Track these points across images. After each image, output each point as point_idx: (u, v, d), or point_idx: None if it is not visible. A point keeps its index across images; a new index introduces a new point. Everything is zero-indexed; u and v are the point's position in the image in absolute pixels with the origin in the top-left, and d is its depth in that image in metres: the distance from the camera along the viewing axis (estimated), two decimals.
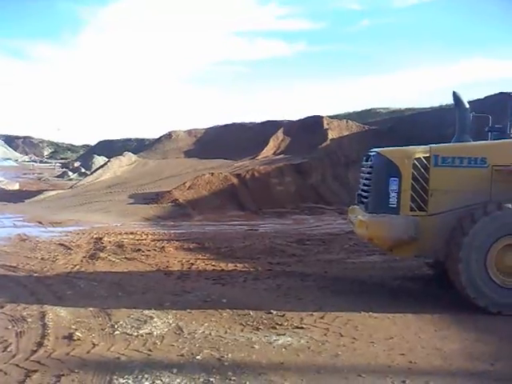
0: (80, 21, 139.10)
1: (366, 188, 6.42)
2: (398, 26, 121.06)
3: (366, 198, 6.36)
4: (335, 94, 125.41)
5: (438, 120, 23.92)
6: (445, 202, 5.83)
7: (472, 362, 4.26)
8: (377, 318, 5.36)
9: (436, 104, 32.38)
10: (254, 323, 5.20)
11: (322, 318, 5.35)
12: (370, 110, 41.91)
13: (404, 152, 6.09)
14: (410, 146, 6.25)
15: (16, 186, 27.57)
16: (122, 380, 3.81)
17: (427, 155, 5.92)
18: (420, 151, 5.98)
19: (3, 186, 26.94)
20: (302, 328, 5.03)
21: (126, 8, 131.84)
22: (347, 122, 28.23)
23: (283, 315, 5.42)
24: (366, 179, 6.45)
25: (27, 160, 66.77)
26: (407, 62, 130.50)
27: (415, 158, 5.90)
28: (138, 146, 43.90)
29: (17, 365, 4.11)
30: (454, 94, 6.77)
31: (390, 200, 5.87)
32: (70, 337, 4.76)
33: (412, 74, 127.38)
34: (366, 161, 6.62)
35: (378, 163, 6.19)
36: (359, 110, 42.90)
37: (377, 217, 5.94)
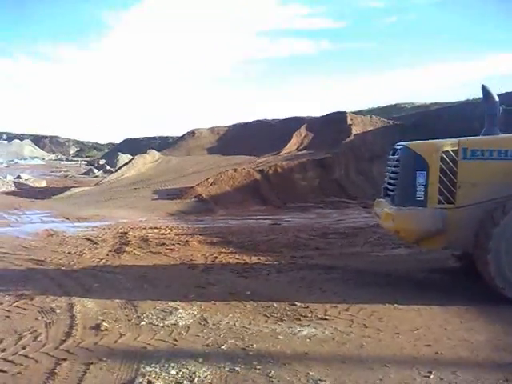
0: (104, 24, 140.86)
1: (392, 181, 6.38)
2: (422, 22, 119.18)
3: (392, 191, 6.33)
4: (359, 90, 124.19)
5: (463, 114, 23.48)
6: (473, 195, 5.75)
7: (499, 353, 4.19)
8: (402, 310, 5.32)
9: (462, 98, 31.81)
10: (278, 314, 5.21)
11: (346, 309, 5.33)
12: (394, 105, 41.43)
13: (432, 145, 6.04)
14: (438, 140, 6.18)
15: (43, 183, 28.13)
16: (149, 368, 3.87)
17: (455, 148, 5.84)
18: (448, 144, 5.91)
19: (31, 184, 27.53)
20: (326, 319, 5.02)
21: (147, 10, 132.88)
22: (371, 117, 27.98)
23: (307, 307, 5.41)
24: (393, 172, 6.42)
25: (54, 158, 68.11)
26: (432, 57, 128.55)
27: (443, 151, 5.83)
28: (162, 144, 44.37)
29: (47, 353, 4.21)
30: (483, 87, 6.66)
31: (417, 193, 5.83)
32: (97, 327, 4.85)
33: (437, 69, 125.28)
34: (393, 154, 6.58)
35: (405, 156, 6.15)
36: (383, 105, 42.48)
37: (404, 209, 5.90)
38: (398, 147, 6.38)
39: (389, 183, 6.54)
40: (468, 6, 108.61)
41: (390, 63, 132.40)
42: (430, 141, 6.28)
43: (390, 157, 6.71)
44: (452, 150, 5.84)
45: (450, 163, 5.81)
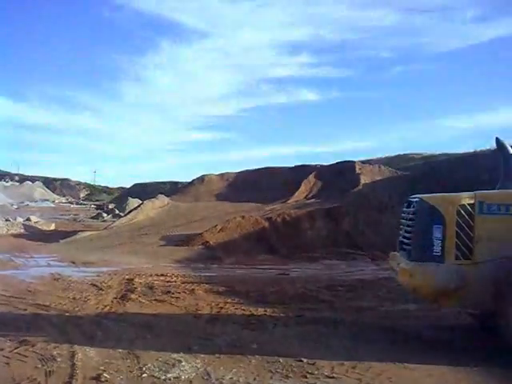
0: (119, 69, 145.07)
1: (408, 235, 6.22)
2: (430, 72, 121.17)
3: (408, 245, 6.16)
4: (367, 139, 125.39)
5: (472, 166, 23.59)
6: (491, 251, 5.56)
7: None
8: (411, 370, 5.13)
9: (470, 149, 31.98)
10: (284, 371, 5.07)
11: (353, 367, 5.16)
12: (402, 155, 41.68)
13: (448, 198, 5.94)
14: (454, 193, 6.07)
15: (52, 227, 28.24)
16: None
17: (472, 202, 5.71)
18: (464, 198, 5.79)
19: (40, 227, 27.65)
20: (333, 378, 4.87)
21: (162, 58, 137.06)
22: (380, 167, 28.16)
23: (314, 363, 5.26)
24: (408, 226, 6.27)
25: (64, 201, 68.76)
26: (441, 107, 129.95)
27: (459, 205, 5.70)
28: (172, 189, 44.73)
29: None
30: (497, 139, 6.66)
31: (434, 248, 5.65)
32: (97, 378, 4.74)
33: (445, 119, 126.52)
34: (408, 207, 6.47)
35: (420, 210, 6.01)
36: (392, 155, 42.78)
37: (422, 265, 5.72)
38: (414, 199, 6.26)
39: (404, 237, 6.38)
40: (478, 58, 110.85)
41: (399, 113, 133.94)
42: (446, 194, 6.19)
43: (405, 209, 6.58)
44: (468, 204, 5.70)
45: (467, 217, 5.65)
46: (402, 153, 42.52)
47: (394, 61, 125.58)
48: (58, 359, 5.30)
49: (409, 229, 6.24)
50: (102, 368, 5.04)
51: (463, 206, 5.71)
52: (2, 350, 5.61)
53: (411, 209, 6.30)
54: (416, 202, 6.18)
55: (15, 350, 5.59)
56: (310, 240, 18.44)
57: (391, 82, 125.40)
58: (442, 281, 5.59)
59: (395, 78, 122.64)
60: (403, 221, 6.60)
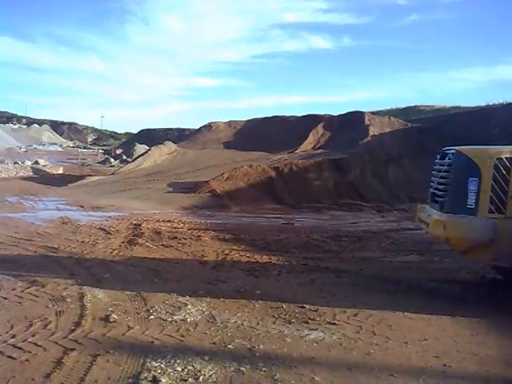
0: (127, 11, 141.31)
1: (441, 187, 6.17)
2: (445, 22, 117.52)
3: (441, 197, 6.12)
4: (378, 89, 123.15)
5: (483, 120, 23.22)
6: None
7: (509, 369, 4.12)
8: (411, 319, 5.26)
9: (482, 103, 31.41)
10: (287, 316, 5.20)
11: (355, 315, 5.29)
12: (413, 107, 41.05)
13: (486, 152, 5.83)
14: (493, 146, 5.98)
15: (60, 171, 28.46)
16: (154, 363, 3.88)
17: (510, 156, 5.63)
18: (503, 152, 5.69)
19: (48, 170, 27.87)
20: (334, 324, 4.99)
21: (170, 1, 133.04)
22: (389, 118, 27.77)
23: (316, 310, 5.39)
24: (442, 178, 6.21)
25: (71, 145, 68.83)
26: (454, 59, 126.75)
27: (497, 159, 5.61)
28: (179, 136, 44.59)
29: (55, 342, 4.25)
30: None
31: (468, 200, 5.62)
32: (106, 318, 4.89)
33: (458, 71, 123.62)
34: (442, 159, 6.37)
35: (457, 162, 5.93)
36: (402, 106, 42.12)
37: (456, 217, 5.69)
38: (450, 151, 6.16)
39: (436, 188, 6.34)
40: (492, 7, 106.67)
41: (412, 63, 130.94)
42: (484, 147, 6.09)
43: (438, 161, 6.50)
44: (506, 158, 5.61)
45: (504, 172, 5.58)
46: (412, 104, 41.89)
47: (409, 8, 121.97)
48: (68, 300, 5.45)
49: (442, 180, 6.17)
50: (110, 309, 5.19)
51: (501, 160, 5.61)
52: (14, 289, 5.77)
53: (446, 160, 6.20)
54: (452, 153, 6.07)
55: (26, 290, 5.76)
56: (317, 190, 18.49)
57: (405, 30, 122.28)
58: (475, 233, 5.59)
59: (410, 27, 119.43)
60: (436, 172, 6.52)
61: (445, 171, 6.18)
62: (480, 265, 7.40)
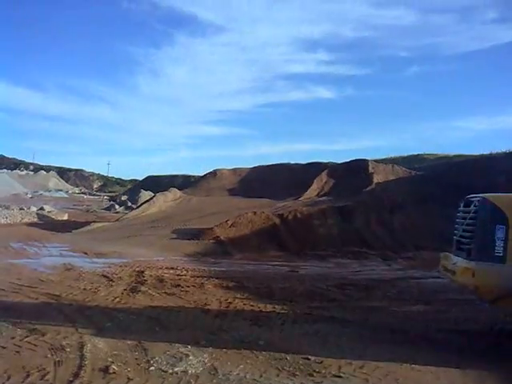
0: (135, 62, 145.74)
1: (467, 234, 6.14)
2: (447, 72, 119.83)
3: (467, 244, 6.07)
4: (382, 138, 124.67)
5: (487, 168, 23.35)
6: None
7: None
8: (419, 372, 5.11)
9: (486, 151, 31.68)
10: (291, 368, 5.06)
11: (361, 367, 5.15)
12: (416, 155, 41.43)
13: None
14: None
15: (65, 217, 28.53)
16: None
17: None
18: None
19: (53, 216, 27.95)
20: (340, 377, 4.85)
21: (177, 51, 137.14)
22: (393, 166, 27.97)
23: (321, 362, 5.25)
24: (468, 225, 6.17)
25: (77, 192, 69.36)
26: (456, 108, 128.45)
27: None
28: (184, 183, 44.89)
29: None
30: None
31: (496, 248, 5.57)
32: (106, 369, 4.78)
33: (461, 120, 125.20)
34: (466, 206, 6.38)
35: (483, 210, 5.91)
36: (406, 154, 42.50)
37: (485, 265, 5.62)
38: (475, 199, 6.15)
39: (462, 236, 6.29)
40: (497, 60, 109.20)
41: (414, 113, 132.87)
42: (510, 194, 6.10)
43: (462, 209, 6.49)
44: None
45: None
46: (416, 153, 42.29)
47: (410, 60, 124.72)
48: (68, 349, 5.35)
49: (468, 228, 6.13)
50: (110, 360, 5.07)
51: None
52: (13, 338, 5.68)
53: (471, 208, 6.19)
54: (478, 201, 6.06)
55: (26, 339, 5.66)
56: (321, 238, 18.38)
57: (407, 81, 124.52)
58: (505, 281, 5.49)
59: (411, 78, 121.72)
60: (460, 220, 6.49)
61: (470, 219, 6.14)
62: (488, 314, 7.27)
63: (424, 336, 6.55)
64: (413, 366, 5.26)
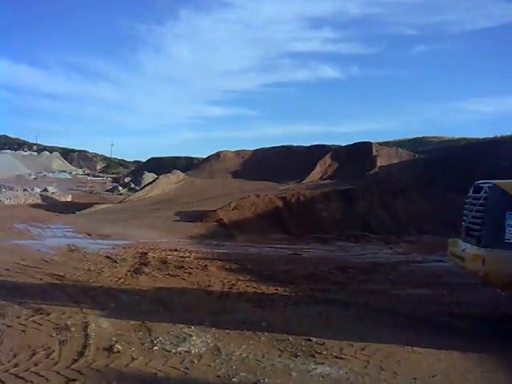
0: (138, 38, 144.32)
1: (477, 221, 6.10)
2: (454, 52, 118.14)
3: (477, 231, 6.03)
4: (386, 120, 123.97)
5: (492, 152, 23.26)
6: None
7: None
8: (420, 354, 5.14)
9: (491, 134, 31.48)
10: (293, 349, 5.11)
11: (362, 349, 5.19)
12: (421, 138, 41.21)
13: None
14: None
15: (68, 198, 28.60)
16: None
17: None
18: None
19: (57, 197, 28.02)
20: (341, 358, 4.90)
21: (181, 28, 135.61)
22: (397, 149, 27.90)
23: (323, 343, 5.30)
24: (477, 212, 6.13)
25: (81, 173, 69.39)
26: (462, 90, 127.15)
27: None
28: (187, 165, 44.84)
29: (58, 372, 4.20)
30: None
31: (507, 235, 5.53)
32: (110, 349, 4.83)
33: (467, 102, 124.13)
34: (476, 192, 6.33)
35: (493, 196, 5.86)
36: (410, 137, 42.30)
37: (496, 251, 5.60)
38: (486, 185, 6.10)
39: (471, 222, 6.27)
40: (506, 38, 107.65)
41: (420, 94, 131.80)
42: None
43: (472, 195, 6.45)
44: None
45: None
46: (420, 135, 42.06)
47: (418, 39, 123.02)
48: (72, 329, 5.41)
49: (478, 214, 6.09)
50: (114, 339, 5.13)
51: None
52: (19, 317, 5.74)
53: (481, 194, 6.13)
54: (488, 187, 6.01)
55: (31, 318, 5.72)
56: (324, 221, 18.43)
57: (413, 61, 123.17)
58: None
59: (418, 57, 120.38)
60: (469, 206, 6.46)
61: (480, 205, 6.09)
62: (490, 299, 7.30)
63: (425, 319, 6.59)
64: (414, 348, 5.29)
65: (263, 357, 4.84)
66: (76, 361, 4.48)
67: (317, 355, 4.95)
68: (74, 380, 4.05)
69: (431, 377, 4.52)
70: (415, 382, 4.38)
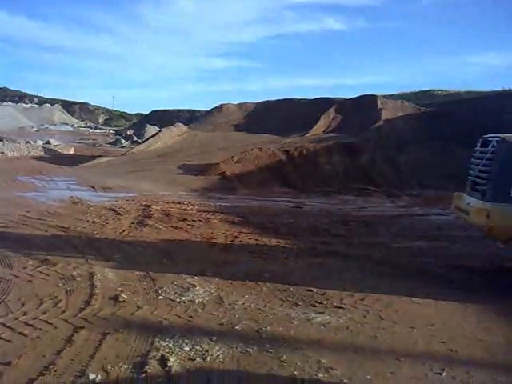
0: None
1: (483, 175, 6.08)
2: (461, 3, 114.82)
3: (483, 185, 6.03)
4: (392, 73, 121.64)
5: (497, 105, 22.88)
6: None
7: None
8: (419, 304, 5.27)
9: (497, 88, 30.94)
10: (294, 299, 5.23)
11: (362, 299, 5.31)
12: (427, 91, 40.50)
13: None
14: None
15: (71, 151, 28.59)
16: (163, 343, 3.94)
17: None
18: None
19: (59, 150, 28.01)
20: (341, 308, 5.02)
21: None
22: (402, 102, 27.49)
23: (323, 294, 5.42)
24: (484, 165, 6.09)
25: (83, 126, 68.94)
26: (469, 42, 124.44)
27: None
28: (190, 118, 44.57)
29: (66, 320, 4.33)
30: None
31: None
32: (115, 298, 4.96)
33: (474, 55, 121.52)
34: (484, 146, 6.26)
35: (501, 150, 5.82)
36: (416, 90, 41.59)
37: (501, 205, 5.61)
38: (494, 139, 6.02)
39: (477, 176, 6.24)
40: None
41: (426, 47, 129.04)
42: None
43: (479, 149, 6.38)
44: None
45: None
46: (426, 88, 41.32)
47: None
48: (78, 279, 5.53)
49: (485, 169, 6.06)
50: (119, 289, 5.25)
51: None
52: (25, 268, 5.86)
53: (489, 148, 6.07)
54: (496, 141, 5.94)
55: (37, 269, 5.84)
56: (327, 175, 18.42)
57: (421, 12, 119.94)
58: None
59: (425, 9, 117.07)
60: (476, 160, 6.40)
61: (487, 159, 6.04)
62: (489, 251, 7.39)
63: (425, 271, 6.70)
64: (413, 299, 5.41)
65: (265, 306, 4.96)
66: (83, 309, 4.60)
67: (317, 305, 5.07)
68: (81, 328, 4.17)
69: (429, 326, 4.64)
70: (413, 331, 4.49)
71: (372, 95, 27.95)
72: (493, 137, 6.08)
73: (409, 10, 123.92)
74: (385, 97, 29.31)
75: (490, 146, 6.07)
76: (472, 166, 6.52)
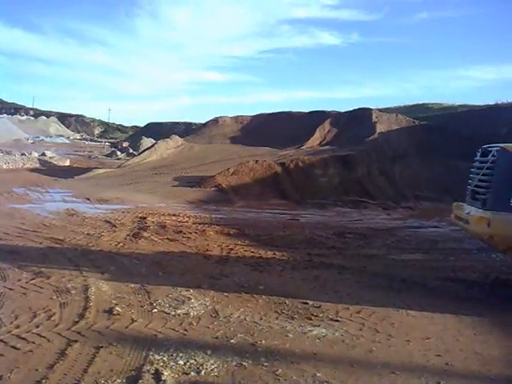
0: (134, 4, 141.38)
1: (483, 184, 6.12)
2: (455, 19, 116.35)
3: (483, 194, 6.06)
4: (386, 86, 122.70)
5: (491, 118, 23.07)
6: None
7: None
8: (414, 317, 5.26)
9: (491, 101, 31.17)
10: (290, 312, 5.21)
11: (358, 312, 5.30)
12: (421, 104, 40.77)
13: None
14: None
15: (67, 163, 28.52)
16: (157, 356, 3.90)
17: None
18: None
19: (55, 162, 27.94)
20: (337, 321, 5.00)
21: None
22: (397, 115, 27.61)
23: (319, 306, 5.40)
24: (485, 175, 6.14)
25: (78, 138, 68.90)
26: (463, 57, 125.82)
27: None
28: (186, 130, 44.59)
29: (59, 333, 4.28)
30: None
31: None
32: (110, 311, 4.92)
33: (467, 69, 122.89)
34: (484, 156, 6.32)
35: (501, 159, 5.87)
36: (410, 104, 41.87)
37: (502, 214, 5.64)
38: (494, 149, 6.09)
39: (477, 186, 6.29)
40: (508, 6, 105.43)
41: (420, 61, 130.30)
42: None
43: (479, 158, 6.45)
44: None
45: None
46: (420, 102, 41.62)
47: (419, 5, 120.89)
48: (72, 292, 5.49)
49: (485, 178, 6.10)
50: (114, 302, 5.21)
51: None
52: (19, 280, 5.81)
53: (489, 158, 6.13)
54: (497, 151, 6.00)
55: (31, 281, 5.79)
56: (322, 187, 18.43)
57: (415, 28, 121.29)
58: None
59: (419, 24, 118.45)
60: (476, 170, 6.47)
61: (488, 168, 6.10)
62: (485, 264, 7.40)
63: (421, 283, 6.70)
64: (409, 311, 5.41)
65: (261, 319, 4.94)
66: (77, 323, 4.56)
67: (313, 318, 5.05)
68: (75, 341, 4.12)
69: (425, 339, 4.63)
70: (409, 344, 4.48)
71: (367, 108, 28.08)
72: (493, 146, 6.15)
73: (402, 25, 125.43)
74: (380, 110, 29.45)
75: (490, 155, 6.13)
76: (472, 175, 6.57)
